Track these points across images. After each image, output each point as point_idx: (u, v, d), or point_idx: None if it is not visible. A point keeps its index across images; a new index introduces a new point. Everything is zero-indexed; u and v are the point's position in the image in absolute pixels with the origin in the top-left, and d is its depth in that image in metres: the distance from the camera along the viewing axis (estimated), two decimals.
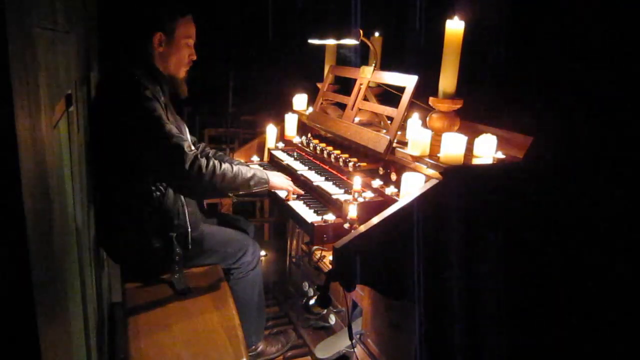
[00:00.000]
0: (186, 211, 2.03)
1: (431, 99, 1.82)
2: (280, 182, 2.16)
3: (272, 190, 2.18)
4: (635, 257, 1.77)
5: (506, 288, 1.81)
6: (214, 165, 1.89)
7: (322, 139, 2.56)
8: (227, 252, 2.23)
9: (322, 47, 2.72)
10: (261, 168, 2.32)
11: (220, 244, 2.21)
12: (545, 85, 2.04)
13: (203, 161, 1.86)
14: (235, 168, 1.98)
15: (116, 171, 1.96)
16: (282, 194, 2.20)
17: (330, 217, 1.88)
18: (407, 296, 1.71)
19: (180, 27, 1.99)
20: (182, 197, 2.03)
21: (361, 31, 2.17)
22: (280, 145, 2.78)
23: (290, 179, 2.34)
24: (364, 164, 2.12)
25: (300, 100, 2.85)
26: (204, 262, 2.20)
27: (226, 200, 2.87)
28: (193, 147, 1.93)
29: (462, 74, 1.77)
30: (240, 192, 2.06)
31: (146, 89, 1.85)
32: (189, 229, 2.03)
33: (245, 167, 2.07)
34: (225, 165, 1.94)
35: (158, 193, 1.96)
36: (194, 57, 2.09)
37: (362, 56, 2.47)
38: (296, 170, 2.39)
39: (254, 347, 2.39)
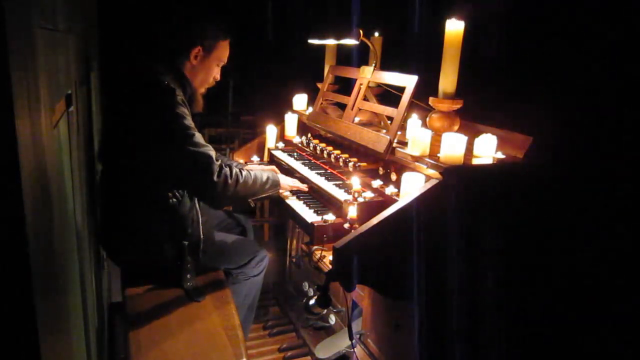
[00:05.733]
0: (200, 220, 2.02)
1: (431, 99, 1.82)
2: (289, 182, 2.19)
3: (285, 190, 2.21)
4: (636, 256, 1.77)
5: (506, 288, 1.81)
6: (237, 174, 1.89)
7: (322, 139, 2.56)
8: (236, 260, 2.24)
9: (322, 47, 2.72)
10: (269, 169, 2.37)
11: (230, 252, 2.22)
12: (545, 85, 2.04)
13: (227, 171, 1.85)
14: (252, 174, 1.98)
15: (132, 175, 1.93)
16: (286, 193, 2.22)
17: (330, 217, 1.88)
18: (406, 296, 1.71)
19: (219, 48, 2.03)
20: (197, 205, 2.02)
21: (361, 31, 2.17)
22: (280, 145, 2.77)
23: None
24: (364, 164, 2.12)
25: (300, 100, 2.85)
26: (212, 268, 2.20)
27: None
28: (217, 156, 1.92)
29: (462, 74, 1.77)
30: (257, 197, 2.09)
31: (178, 95, 1.85)
32: (202, 238, 2.02)
33: (259, 171, 2.08)
34: (245, 173, 1.95)
35: (174, 200, 1.95)
36: (218, 78, 2.13)
37: (362, 56, 2.47)
38: (296, 170, 2.39)
39: None
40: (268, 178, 2.06)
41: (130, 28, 2.54)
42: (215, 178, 1.81)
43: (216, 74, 2.10)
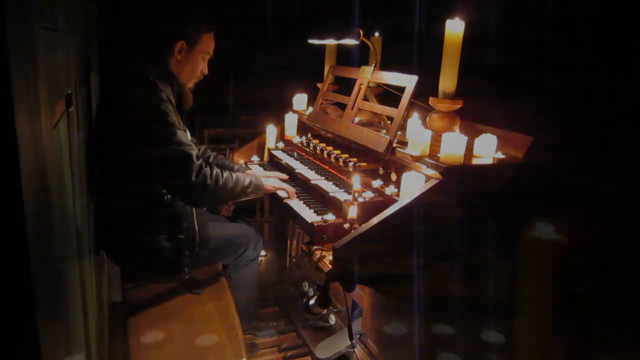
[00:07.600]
0: (194, 213, 2.03)
1: (431, 99, 1.82)
2: (273, 184, 2.17)
3: (269, 193, 2.19)
4: (636, 255, 1.77)
5: (506, 288, 1.81)
6: (217, 175, 1.88)
7: (322, 139, 2.56)
8: (232, 250, 2.24)
9: (322, 47, 2.72)
10: (255, 172, 2.37)
11: (225, 243, 2.22)
12: (545, 85, 2.03)
13: (207, 171, 1.84)
14: (234, 176, 1.97)
15: (125, 172, 1.93)
16: (281, 193, 2.20)
17: (330, 217, 1.88)
18: (406, 296, 1.71)
19: (203, 41, 2.01)
20: None
21: (361, 31, 2.17)
22: (280, 145, 2.78)
23: (287, 177, 2.36)
24: (364, 164, 2.12)
25: (300, 100, 2.85)
26: (209, 262, 2.20)
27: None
28: (198, 155, 1.91)
29: (462, 74, 1.77)
30: (238, 200, 2.08)
31: (162, 91, 1.84)
32: (197, 231, 2.03)
33: (242, 173, 2.06)
34: (226, 174, 1.93)
35: (169, 196, 1.95)
36: (206, 72, 2.11)
37: (362, 56, 2.47)
38: (296, 170, 2.39)
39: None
40: (250, 181, 2.03)
41: (123, 26, 2.53)
42: (193, 178, 1.79)
43: (203, 67, 2.09)
